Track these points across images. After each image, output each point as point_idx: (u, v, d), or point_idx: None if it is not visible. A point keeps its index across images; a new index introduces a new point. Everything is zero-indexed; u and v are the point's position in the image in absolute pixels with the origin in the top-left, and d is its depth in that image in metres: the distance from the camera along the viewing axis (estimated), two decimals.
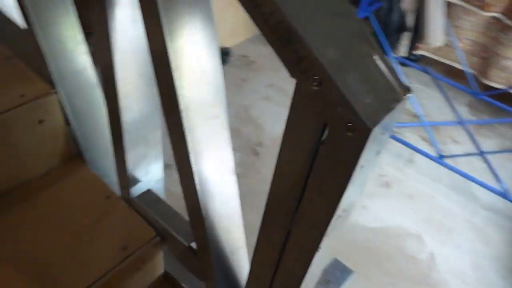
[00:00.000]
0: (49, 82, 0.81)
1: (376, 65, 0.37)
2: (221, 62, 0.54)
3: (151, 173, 0.81)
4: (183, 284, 0.84)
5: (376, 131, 0.33)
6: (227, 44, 2.19)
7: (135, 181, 0.79)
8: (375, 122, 0.33)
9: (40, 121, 0.81)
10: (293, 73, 0.36)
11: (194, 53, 0.51)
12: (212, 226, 0.64)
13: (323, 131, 0.36)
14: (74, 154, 0.89)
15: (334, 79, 0.33)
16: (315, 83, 0.34)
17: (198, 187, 0.58)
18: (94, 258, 0.73)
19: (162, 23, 0.46)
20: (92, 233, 0.77)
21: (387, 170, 1.73)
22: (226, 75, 0.56)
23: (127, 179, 0.78)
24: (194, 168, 0.57)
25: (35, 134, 0.81)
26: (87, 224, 0.78)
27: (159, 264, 0.81)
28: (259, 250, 0.52)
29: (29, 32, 0.73)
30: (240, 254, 0.70)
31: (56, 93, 0.81)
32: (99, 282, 0.70)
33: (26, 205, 0.80)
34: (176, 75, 0.50)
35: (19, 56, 0.87)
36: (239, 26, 2.19)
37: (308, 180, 0.40)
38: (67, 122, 0.85)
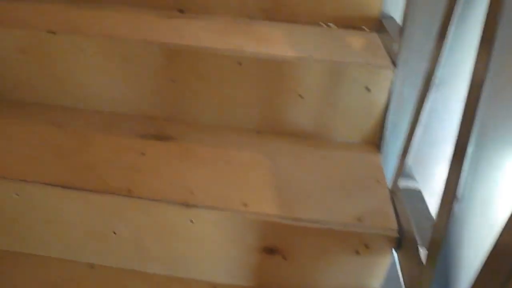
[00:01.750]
0: (394, 62, 0.87)
1: None
2: None
3: (427, 174, 0.73)
4: None
5: None
6: None
7: (410, 176, 0.74)
8: None
9: (367, 89, 0.87)
10: None
11: None
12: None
13: None
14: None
15: None
16: None
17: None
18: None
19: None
20: (344, 187, 0.78)
21: None
22: None
23: (401, 172, 0.75)
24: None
25: (355, 97, 0.88)
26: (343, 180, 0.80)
27: (381, 265, 0.73)
28: None
29: None
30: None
31: (393, 72, 0.85)
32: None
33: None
34: None
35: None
36: None
37: None
38: (386, 105, 0.89)
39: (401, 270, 0.68)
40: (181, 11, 1.13)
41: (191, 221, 0.73)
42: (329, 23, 1.09)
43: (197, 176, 0.79)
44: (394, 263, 0.72)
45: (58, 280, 0.77)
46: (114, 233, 0.77)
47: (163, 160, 0.82)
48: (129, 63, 0.92)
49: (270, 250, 0.74)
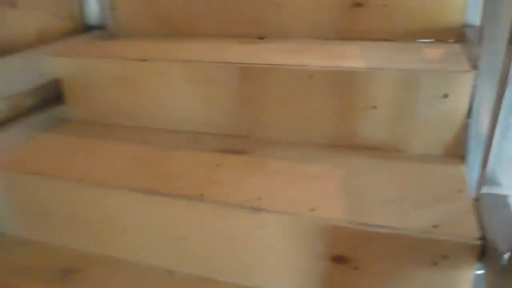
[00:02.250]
0: (473, 66, 0.82)
1: None
2: None
3: None
4: None
5: None
6: None
7: (495, 183, 0.68)
8: None
9: (445, 96, 0.83)
10: None
11: None
12: None
13: None
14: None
15: None
16: None
17: None
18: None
19: None
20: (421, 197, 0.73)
21: None
22: None
23: (484, 179, 0.69)
24: None
25: (433, 105, 0.84)
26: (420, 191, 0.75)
27: (462, 279, 0.66)
28: None
29: None
30: None
31: (473, 77, 0.80)
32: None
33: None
34: None
35: None
36: None
37: None
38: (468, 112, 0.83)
39: (486, 284, 0.61)
40: (261, 38, 1.20)
41: (259, 226, 0.73)
42: (408, 39, 1.07)
43: (267, 185, 0.80)
44: (479, 279, 0.65)
45: (137, 285, 0.82)
46: (188, 238, 0.80)
47: (235, 171, 0.85)
48: (208, 84, 0.98)
49: (339, 259, 0.71)
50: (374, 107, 0.88)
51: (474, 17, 1.01)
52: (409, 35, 1.07)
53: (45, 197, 0.89)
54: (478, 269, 0.64)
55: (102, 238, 0.88)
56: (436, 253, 0.65)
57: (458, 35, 1.03)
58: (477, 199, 0.70)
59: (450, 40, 1.04)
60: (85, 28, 1.32)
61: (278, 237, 0.73)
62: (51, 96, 1.13)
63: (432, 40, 1.06)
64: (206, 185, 0.80)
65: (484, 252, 0.62)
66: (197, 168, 0.87)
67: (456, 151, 0.86)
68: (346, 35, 1.12)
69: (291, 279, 0.76)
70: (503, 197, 0.66)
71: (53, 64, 1.11)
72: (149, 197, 0.80)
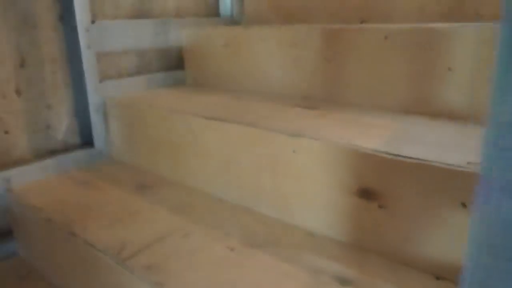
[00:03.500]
0: None
1: None
2: None
3: None
4: None
5: None
6: None
7: None
8: None
9: None
10: None
11: None
12: None
13: None
14: None
15: None
16: None
17: None
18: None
19: None
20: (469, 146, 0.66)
21: None
22: None
23: None
24: None
25: None
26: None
27: None
28: None
29: None
30: None
31: None
32: None
33: None
34: None
35: None
36: None
37: None
38: None
39: None
40: (362, 22, 1.23)
41: (295, 151, 0.76)
42: None
43: (317, 124, 0.82)
44: None
45: (191, 205, 0.91)
46: (240, 162, 0.86)
47: (300, 117, 0.89)
48: (294, 47, 1.05)
49: (367, 193, 0.68)
50: (450, 69, 0.82)
51: None
52: None
53: (149, 124, 1.06)
54: None
55: (177, 162, 1.01)
56: (467, 191, 0.58)
57: None
58: None
59: None
60: (215, 14, 1.53)
61: (312, 164, 0.74)
62: (174, 61, 1.35)
63: None
64: (265, 119, 0.86)
65: None
66: (265, 110, 0.94)
67: None
68: (451, 19, 1.07)
69: (320, 215, 0.75)
70: None
71: (180, 34, 1.32)
72: (217, 123, 0.89)
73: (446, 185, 0.60)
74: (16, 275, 0.95)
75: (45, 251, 0.92)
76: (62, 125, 1.16)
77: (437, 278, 0.63)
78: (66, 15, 1.11)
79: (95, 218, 0.85)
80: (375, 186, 0.67)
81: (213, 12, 1.52)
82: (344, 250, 0.72)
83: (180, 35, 1.32)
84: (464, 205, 0.59)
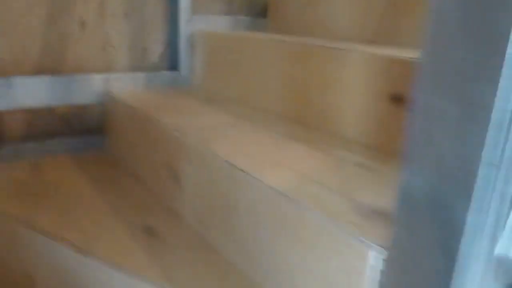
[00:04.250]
0: None
1: None
2: None
3: None
4: None
5: None
6: None
7: None
8: None
9: None
10: None
11: None
12: None
13: None
14: None
15: None
16: None
17: None
18: None
19: None
20: None
21: None
22: None
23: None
24: None
25: None
26: None
27: None
28: None
29: None
30: None
31: None
32: None
33: None
34: None
35: None
36: None
37: None
38: None
39: None
40: None
41: (338, 62, 0.84)
42: None
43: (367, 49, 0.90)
44: None
45: (243, 114, 1.03)
46: (300, 79, 0.97)
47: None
48: None
49: (397, 99, 0.75)
50: None
51: None
52: None
53: (224, 54, 1.21)
54: None
55: (245, 85, 1.14)
56: None
57: None
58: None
59: None
60: None
61: (352, 72, 0.82)
62: (259, 8, 1.49)
63: None
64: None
65: None
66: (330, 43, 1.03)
67: None
68: None
69: (355, 122, 0.83)
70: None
71: None
72: (271, 42, 1.01)
73: None
74: (106, 162, 1.16)
75: (131, 144, 1.11)
76: (157, 50, 1.35)
77: None
78: None
79: (170, 113, 1.01)
80: (406, 93, 0.74)
81: None
82: (373, 150, 0.79)
83: None
84: None
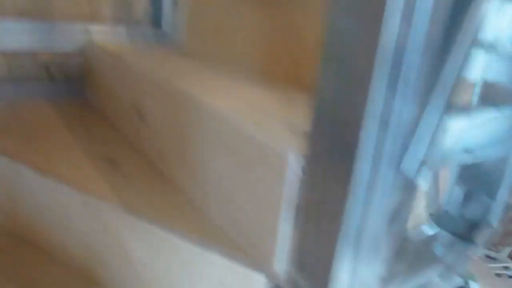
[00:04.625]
0: None
1: None
2: None
3: None
4: None
5: None
6: None
7: None
8: None
9: None
10: None
11: None
12: None
13: None
14: None
15: None
16: None
17: None
18: None
19: None
20: None
21: None
22: None
23: None
24: None
25: None
26: None
27: None
28: None
29: None
30: None
31: None
32: None
33: None
34: None
35: None
36: None
37: None
38: None
39: None
40: None
41: None
42: None
43: None
44: None
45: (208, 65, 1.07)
46: None
47: None
48: None
49: None
50: None
51: None
52: None
53: (205, 14, 1.24)
54: None
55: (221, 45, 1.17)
56: None
57: None
58: None
59: None
60: None
61: None
62: None
63: None
64: None
65: None
66: None
67: None
68: None
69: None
70: None
71: None
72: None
73: None
74: (82, 107, 1.19)
75: (105, 89, 1.14)
76: (141, 5, 1.38)
77: None
78: None
79: (144, 59, 1.04)
80: None
81: None
82: None
83: None
84: None
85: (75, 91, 1.28)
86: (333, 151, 0.46)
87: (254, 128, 0.57)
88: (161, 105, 0.82)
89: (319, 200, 0.48)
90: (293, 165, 0.50)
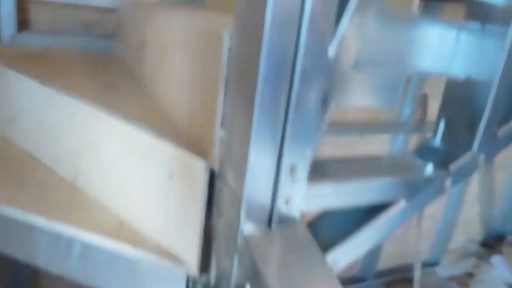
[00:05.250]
0: None
1: None
2: None
3: None
4: None
5: None
6: None
7: None
8: None
9: None
10: None
11: None
12: None
13: None
14: None
15: None
16: None
17: None
18: None
19: None
20: None
21: None
22: None
23: None
24: None
25: None
26: None
27: None
28: None
29: None
30: None
31: None
32: None
33: None
34: None
35: None
36: None
37: None
38: None
39: None
40: None
41: None
42: None
43: None
44: None
45: None
46: None
47: None
48: None
49: None
50: None
51: None
52: None
53: None
54: None
55: None
56: None
57: None
58: None
59: None
60: None
61: None
62: None
63: None
64: None
65: None
66: None
67: None
68: None
69: None
70: None
71: None
72: None
73: None
74: (104, 56, 1.29)
75: (126, 38, 1.23)
76: None
77: None
78: None
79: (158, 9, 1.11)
80: None
81: None
82: None
83: None
84: None
85: (109, 46, 1.38)
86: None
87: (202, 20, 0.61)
88: (156, 36, 0.88)
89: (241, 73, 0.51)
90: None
